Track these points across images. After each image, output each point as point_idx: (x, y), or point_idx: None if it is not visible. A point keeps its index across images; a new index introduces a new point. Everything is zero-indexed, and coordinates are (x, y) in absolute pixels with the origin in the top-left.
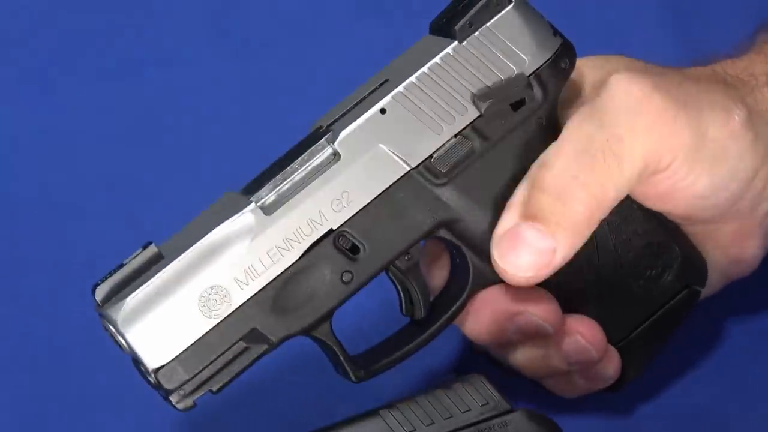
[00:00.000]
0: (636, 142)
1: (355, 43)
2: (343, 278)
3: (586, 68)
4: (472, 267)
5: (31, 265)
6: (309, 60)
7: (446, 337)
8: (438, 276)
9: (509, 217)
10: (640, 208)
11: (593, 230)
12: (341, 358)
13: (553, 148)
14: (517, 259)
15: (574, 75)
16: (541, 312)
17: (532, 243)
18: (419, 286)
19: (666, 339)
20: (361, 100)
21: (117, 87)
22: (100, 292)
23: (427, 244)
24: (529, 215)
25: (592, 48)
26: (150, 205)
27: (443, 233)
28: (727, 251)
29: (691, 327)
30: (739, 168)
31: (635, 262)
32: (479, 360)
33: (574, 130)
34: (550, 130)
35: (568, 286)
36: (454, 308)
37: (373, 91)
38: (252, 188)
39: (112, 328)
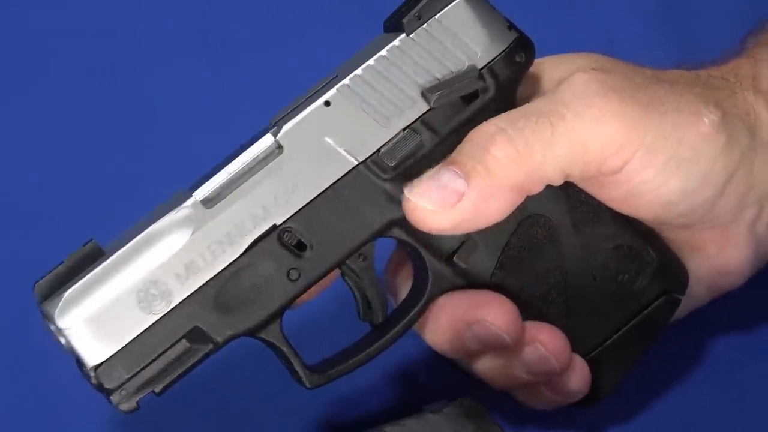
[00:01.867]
0: (579, 125)
1: (341, 49)
2: (290, 276)
3: (553, 64)
4: (431, 270)
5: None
6: (294, 64)
7: (437, 363)
8: (405, 287)
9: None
10: (609, 209)
11: (515, 197)
12: (293, 362)
13: None
14: (422, 191)
15: (537, 71)
16: (499, 321)
17: (443, 181)
18: (375, 289)
19: (644, 350)
20: (309, 96)
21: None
22: (40, 289)
23: (393, 253)
24: (450, 161)
25: (585, 48)
26: (134, 205)
27: (397, 233)
28: (711, 261)
29: (674, 338)
30: (711, 171)
31: (605, 265)
32: (470, 385)
33: (523, 105)
34: None
35: (531, 290)
36: (412, 313)
37: (322, 87)
38: (197, 184)
39: (51, 326)
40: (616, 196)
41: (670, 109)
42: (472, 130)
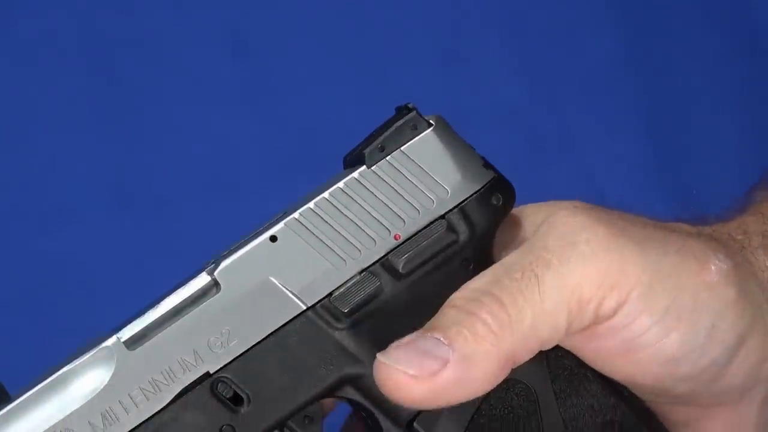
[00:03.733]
0: (566, 269)
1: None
2: None
3: (534, 209)
4: None
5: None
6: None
7: None
8: None
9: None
10: (596, 378)
11: (503, 368)
12: None
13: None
14: (400, 355)
15: (517, 218)
16: None
17: (424, 347)
18: None
19: None
20: (256, 233)
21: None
22: None
23: (347, 418)
24: (430, 327)
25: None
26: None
27: (350, 392)
28: None
29: None
30: (718, 328)
31: None
32: None
33: (503, 259)
34: None
35: None
36: None
37: (271, 224)
38: (123, 324)
39: None
40: (612, 349)
41: (670, 251)
42: (452, 295)
